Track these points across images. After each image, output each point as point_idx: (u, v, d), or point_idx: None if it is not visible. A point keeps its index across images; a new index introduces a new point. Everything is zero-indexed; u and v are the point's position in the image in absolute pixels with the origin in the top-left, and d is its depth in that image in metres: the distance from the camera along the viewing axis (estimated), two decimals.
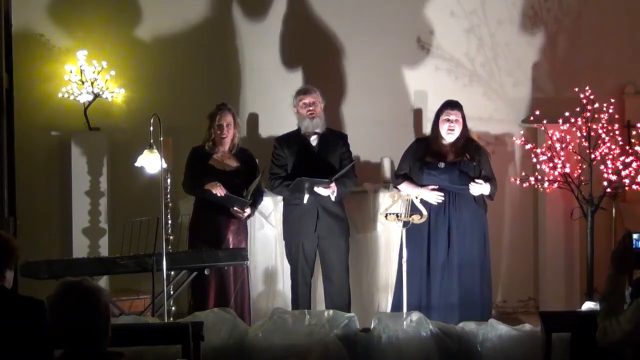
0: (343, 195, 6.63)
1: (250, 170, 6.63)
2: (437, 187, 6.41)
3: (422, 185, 6.44)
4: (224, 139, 6.60)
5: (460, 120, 6.45)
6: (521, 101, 7.99)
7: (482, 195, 6.44)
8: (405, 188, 6.53)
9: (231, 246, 6.50)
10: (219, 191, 6.39)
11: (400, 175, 6.58)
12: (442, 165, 6.43)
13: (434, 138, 6.51)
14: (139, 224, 6.04)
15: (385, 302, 7.01)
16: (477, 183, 6.35)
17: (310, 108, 6.65)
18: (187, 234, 6.64)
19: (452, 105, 6.50)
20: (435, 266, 6.38)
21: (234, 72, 7.79)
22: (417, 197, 6.35)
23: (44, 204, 7.59)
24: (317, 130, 6.66)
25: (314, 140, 6.67)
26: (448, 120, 6.44)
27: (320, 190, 6.46)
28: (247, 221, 6.68)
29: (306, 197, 6.47)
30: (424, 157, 6.48)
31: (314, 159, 6.62)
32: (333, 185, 6.46)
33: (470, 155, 6.44)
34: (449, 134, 6.45)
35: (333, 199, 6.51)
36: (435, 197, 6.39)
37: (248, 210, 6.52)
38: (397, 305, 6.41)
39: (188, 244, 6.57)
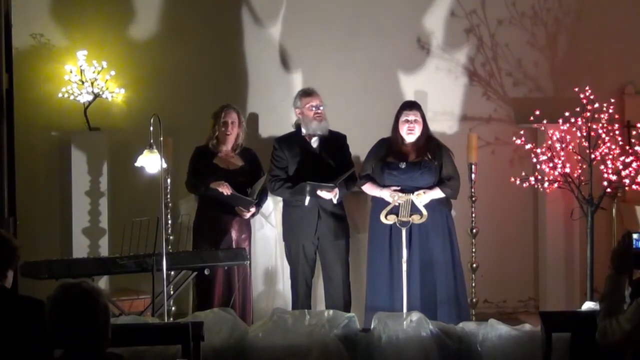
0: (343, 196, 6.62)
1: (254, 169, 6.65)
2: (398, 187, 6.40)
3: (384, 186, 6.44)
4: (228, 136, 6.62)
5: (420, 120, 6.46)
6: (521, 101, 7.98)
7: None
8: (369, 189, 6.54)
9: (234, 244, 6.52)
10: (226, 190, 6.41)
11: (364, 176, 6.57)
12: (403, 165, 6.43)
13: (395, 139, 6.51)
14: (139, 224, 6.04)
15: None
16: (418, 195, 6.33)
17: (319, 111, 6.64)
18: (191, 232, 6.66)
19: (410, 105, 6.54)
20: (398, 268, 6.34)
21: (234, 72, 7.78)
22: (417, 197, 6.34)
23: (44, 204, 7.58)
24: (323, 133, 6.65)
25: (314, 141, 6.66)
26: (407, 121, 6.45)
27: (322, 194, 6.45)
28: (250, 220, 6.70)
29: (307, 199, 6.46)
30: (386, 157, 6.49)
31: (315, 160, 6.61)
32: (336, 189, 6.45)
33: (431, 155, 6.45)
34: (409, 135, 6.46)
35: (335, 201, 6.51)
36: (395, 198, 6.35)
37: (252, 209, 6.54)
38: (372, 306, 6.35)
39: (192, 242, 6.59)
